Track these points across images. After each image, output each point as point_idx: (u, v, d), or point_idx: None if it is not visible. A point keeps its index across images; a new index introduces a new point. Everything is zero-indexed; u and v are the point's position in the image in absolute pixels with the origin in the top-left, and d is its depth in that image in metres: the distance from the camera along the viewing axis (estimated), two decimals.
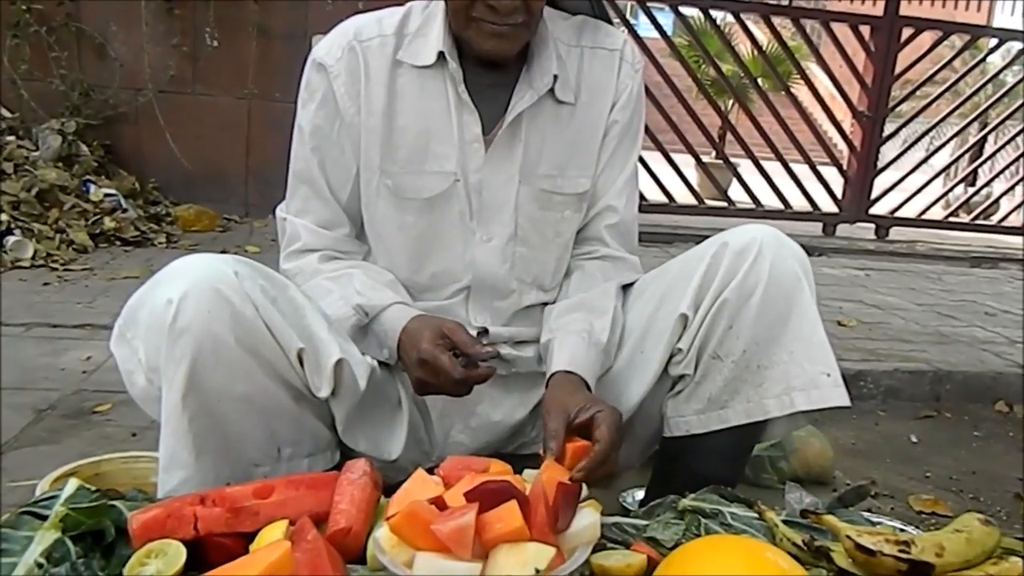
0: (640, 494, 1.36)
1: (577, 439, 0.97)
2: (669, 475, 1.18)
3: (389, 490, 0.92)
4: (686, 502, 1.03)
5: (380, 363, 1.12)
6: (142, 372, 0.97)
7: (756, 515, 1.03)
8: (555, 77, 1.13)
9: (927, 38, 5.48)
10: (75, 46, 3.89)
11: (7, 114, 3.72)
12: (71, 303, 2.40)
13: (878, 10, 5.37)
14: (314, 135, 1.15)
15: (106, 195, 3.47)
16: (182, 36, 3.97)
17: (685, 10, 5.36)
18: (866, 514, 1.18)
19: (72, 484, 0.90)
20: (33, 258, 2.86)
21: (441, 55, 1.10)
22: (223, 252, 3.26)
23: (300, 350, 0.97)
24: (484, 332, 1.17)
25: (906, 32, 5.31)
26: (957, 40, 5.74)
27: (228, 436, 0.97)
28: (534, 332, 1.20)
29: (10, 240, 2.88)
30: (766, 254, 1.05)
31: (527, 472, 0.95)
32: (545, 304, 1.22)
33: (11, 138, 3.53)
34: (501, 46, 1.07)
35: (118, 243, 3.29)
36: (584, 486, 0.91)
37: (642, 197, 1.28)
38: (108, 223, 3.31)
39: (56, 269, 2.82)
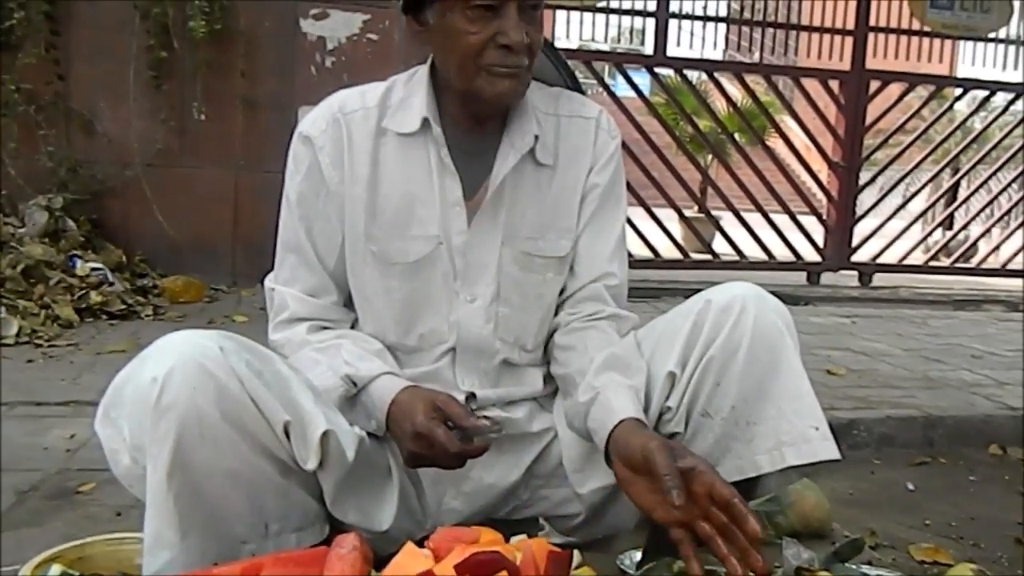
0: (638, 555, 1.34)
1: None
2: (666, 535, 1.16)
3: (380, 562, 0.90)
4: (683, 563, 1.02)
5: (369, 433, 1.11)
6: (127, 451, 0.96)
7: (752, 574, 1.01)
8: (536, 138, 1.17)
9: (895, 89, 5.65)
10: (63, 123, 3.94)
11: None
12: (55, 380, 2.38)
13: (845, 65, 5.54)
14: (300, 204, 1.18)
15: (92, 269, 3.46)
16: (169, 111, 4.03)
17: (660, 70, 5.51)
18: (866, 567, 1.17)
19: (55, 570, 0.89)
20: (17, 335, 2.84)
21: (425, 121, 1.14)
22: (210, 322, 3.26)
23: (286, 423, 0.97)
24: (472, 396, 1.18)
25: (874, 85, 5.47)
26: (923, 90, 5.91)
27: (214, 513, 0.96)
28: (523, 391, 1.21)
29: None
30: (749, 310, 1.07)
31: (515, 539, 0.94)
32: (529, 366, 1.22)
33: None
34: (513, 87, 1.10)
35: (104, 317, 3.27)
36: (576, 552, 0.90)
37: (629, 254, 1.30)
38: (94, 297, 3.30)
39: (41, 346, 2.79)
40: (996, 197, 6.29)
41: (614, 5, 5.96)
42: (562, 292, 1.23)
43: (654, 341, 1.16)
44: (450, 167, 1.15)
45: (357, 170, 1.15)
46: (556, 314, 1.23)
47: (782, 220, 5.46)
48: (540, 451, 1.22)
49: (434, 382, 1.16)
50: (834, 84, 5.53)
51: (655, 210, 5.14)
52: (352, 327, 1.21)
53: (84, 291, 3.31)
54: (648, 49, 5.37)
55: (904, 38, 5.68)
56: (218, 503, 0.96)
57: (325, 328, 1.18)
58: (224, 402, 0.93)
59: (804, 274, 5.54)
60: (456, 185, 1.15)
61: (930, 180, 6.13)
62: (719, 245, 5.65)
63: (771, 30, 6.19)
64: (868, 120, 5.56)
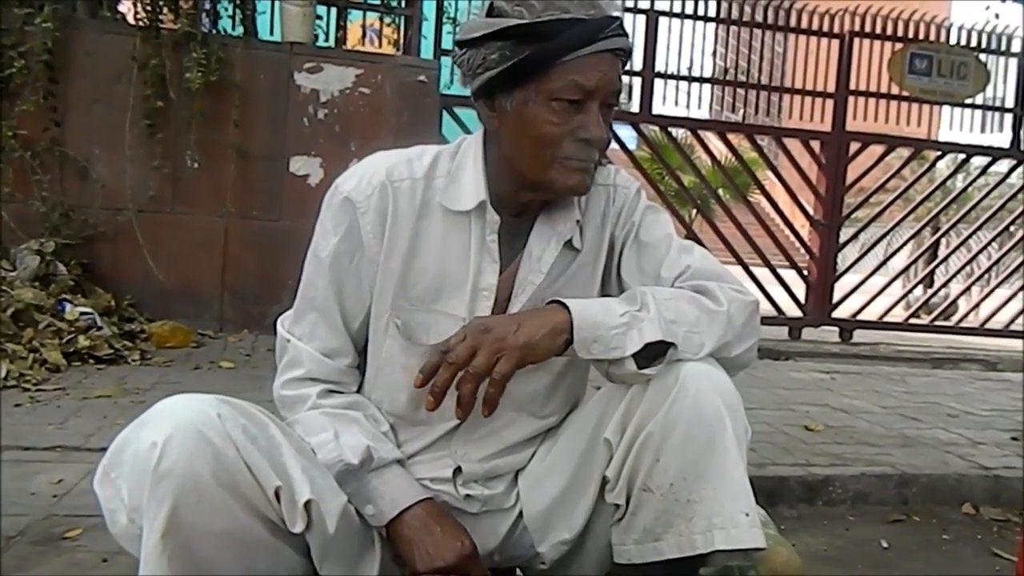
0: None
1: None
2: None
3: None
4: None
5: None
6: (124, 512, 0.99)
7: None
8: (577, 222, 1.18)
9: (877, 149, 5.81)
10: (58, 169, 4.00)
11: None
12: (43, 424, 2.39)
13: (826, 126, 5.70)
14: (333, 266, 1.16)
15: (81, 314, 3.48)
16: (163, 159, 4.10)
17: (644, 126, 5.65)
18: None
19: None
20: (5, 379, 2.85)
21: (480, 203, 1.14)
22: (196, 368, 3.27)
23: (277, 487, 1.01)
24: (458, 470, 1.21)
25: (854, 146, 5.63)
26: (904, 151, 6.09)
27: (207, 573, 0.98)
28: (509, 465, 1.24)
29: None
30: (689, 388, 1.06)
31: None
32: (537, 436, 1.25)
33: None
34: (584, 180, 1.11)
35: (92, 361, 3.28)
36: None
37: None
38: (82, 342, 3.32)
39: (28, 390, 2.80)
40: (976, 256, 6.44)
41: None
42: None
43: (603, 404, 1.17)
44: (493, 252, 1.15)
45: (396, 243, 1.14)
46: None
47: (764, 274, 5.56)
48: (514, 520, 1.25)
49: (432, 452, 1.20)
50: (815, 144, 5.69)
51: None
52: (358, 391, 1.23)
53: (72, 335, 3.33)
54: (634, 106, 5.52)
55: (884, 102, 5.87)
56: (210, 563, 0.98)
57: (334, 392, 1.19)
58: (220, 468, 0.97)
59: (786, 329, 5.62)
60: (492, 271, 1.16)
61: (911, 238, 6.27)
62: None
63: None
64: (849, 179, 5.71)
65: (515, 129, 1.10)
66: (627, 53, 1.11)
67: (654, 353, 1.07)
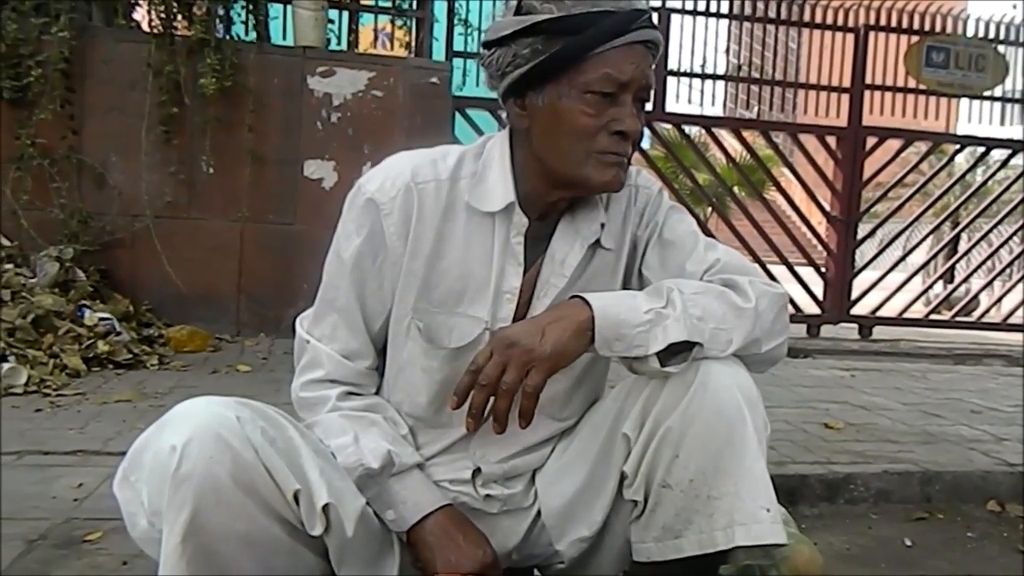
0: None
1: None
2: None
3: None
4: None
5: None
6: (144, 515, 1.00)
7: None
8: (602, 226, 1.17)
9: (894, 143, 5.75)
10: (75, 176, 4.04)
11: (6, 243, 3.82)
12: (63, 429, 2.41)
13: (843, 121, 5.65)
14: (355, 267, 1.14)
15: (100, 319, 3.52)
16: (179, 164, 4.14)
17: (658, 125, 5.63)
18: None
19: None
20: (26, 384, 2.88)
21: (508, 204, 1.13)
22: (214, 372, 3.29)
23: (296, 491, 1.01)
24: (477, 471, 1.21)
25: (870, 141, 5.58)
26: (922, 145, 6.02)
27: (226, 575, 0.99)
28: (527, 465, 1.23)
29: (4, 367, 2.90)
30: (708, 383, 1.05)
31: None
32: (555, 436, 1.24)
33: (9, 266, 3.62)
34: (619, 175, 1.09)
35: (111, 366, 3.31)
36: None
37: None
38: (101, 347, 3.34)
39: (49, 395, 2.83)
40: (997, 250, 6.35)
41: None
42: None
43: (622, 399, 1.16)
44: (518, 255, 1.14)
45: (420, 245, 1.13)
46: None
47: (781, 272, 5.52)
48: (533, 518, 1.24)
49: (451, 454, 1.20)
50: (831, 140, 5.64)
51: None
52: (376, 393, 1.22)
53: (92, 341, 3.36)
54: (647, 105, 5.49)
55: (901, 96, 5.81)
56: (230, 566, 0.98)
57: (353, 394, 1.19)
58: (239, 471, 0.97)
59: (804, 326, 5.57)
60: (516, 273, 1.14)
61: (930, 233, 6.20)
62: None
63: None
64: (866, 175, 5.66)
65: (548, 125, 1.08)
66: (657, 47, 1.10)
67: (680, 347, 1.06)
